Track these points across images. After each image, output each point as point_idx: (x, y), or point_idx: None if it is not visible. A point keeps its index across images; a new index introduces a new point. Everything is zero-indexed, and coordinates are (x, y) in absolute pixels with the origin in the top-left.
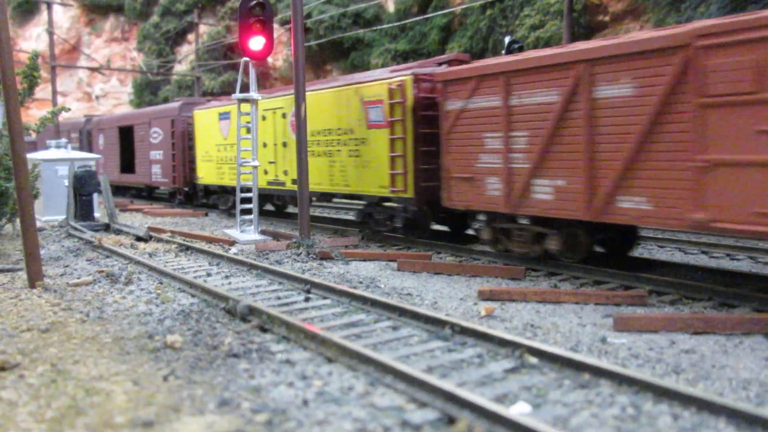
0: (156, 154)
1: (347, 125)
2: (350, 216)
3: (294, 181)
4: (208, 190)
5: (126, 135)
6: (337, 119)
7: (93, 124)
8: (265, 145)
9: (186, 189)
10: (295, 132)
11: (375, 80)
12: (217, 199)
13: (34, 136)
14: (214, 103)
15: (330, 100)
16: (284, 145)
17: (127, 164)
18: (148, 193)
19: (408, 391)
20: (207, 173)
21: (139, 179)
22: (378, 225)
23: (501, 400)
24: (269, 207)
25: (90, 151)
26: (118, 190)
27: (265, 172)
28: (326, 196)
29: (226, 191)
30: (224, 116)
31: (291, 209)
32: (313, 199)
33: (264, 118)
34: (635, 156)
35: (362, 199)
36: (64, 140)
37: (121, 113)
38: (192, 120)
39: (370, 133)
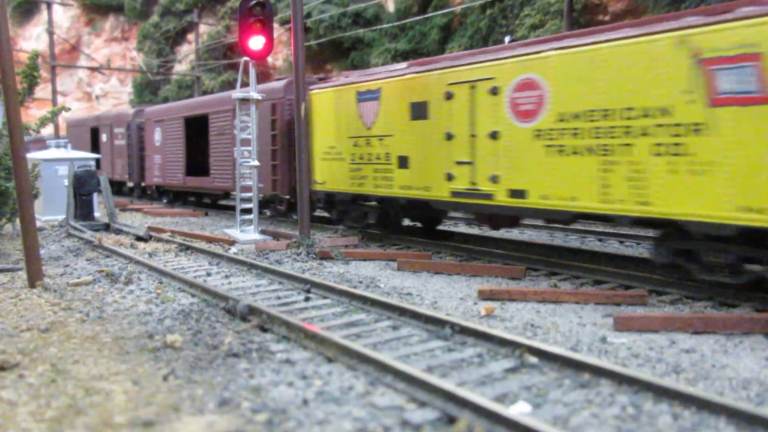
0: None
1: (653, 102)
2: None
3: (513, 193)
4: (331, 199)
5: (196, 127)
6: (624, 92)
7: (147, 116)
8: (449, 137)
9: (287, 197)
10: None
11: (730, 20)
12: (343, 213)
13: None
14: (346, 79)
15: (608, 60)
16: (493, 136)
17: (196, 165)
18: (215, 203)
19: (408, 390)
20: (332, 176)
21: (216, 184)
22: None
23: (501, 399)
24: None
25: (140, 149)
26: (179, 197)
27: (449, 178)
28: (581, 218)
29: (362, 201)
30: (368, 96)
31: (465, 228)
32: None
33: (449, 96)
34: None
35: (677, 227)
36: (63, 140)
37: (190, 100)
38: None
39: (717, 115)
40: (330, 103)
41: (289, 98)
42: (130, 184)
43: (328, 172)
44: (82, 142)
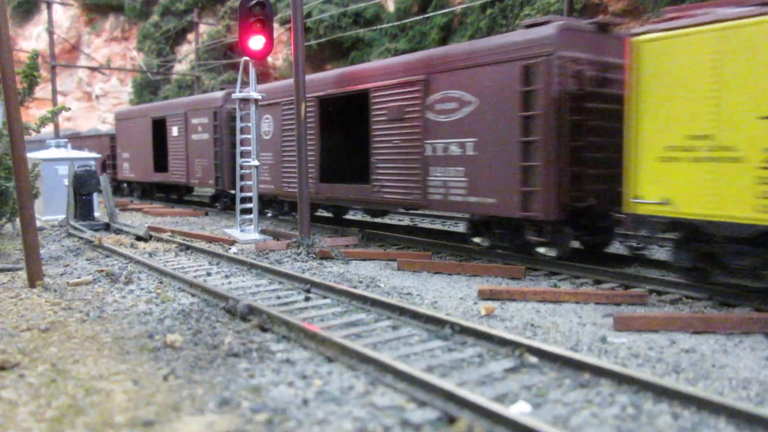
0: (456, 148)
1: None
2: None
3: None
4: (693, 236)
5: (339, 111)
6: None
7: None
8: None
9: (559, 219)
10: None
11: None
12: (723, 267)
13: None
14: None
15: None
16: None
17: (332, 167)
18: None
19: (408, 390)
20: (700, 191)
21: (400, 195)
22: None
23: (501, 399)
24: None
25: (231, 145)
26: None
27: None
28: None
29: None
30: None
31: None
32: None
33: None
34: None
35: None
36: (63, 140)
37: (328, 73)
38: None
39: None
40: (697, 55)
41: (566, 56)
42: (212, 192)
43: (687, 182)
44: (138, 138)
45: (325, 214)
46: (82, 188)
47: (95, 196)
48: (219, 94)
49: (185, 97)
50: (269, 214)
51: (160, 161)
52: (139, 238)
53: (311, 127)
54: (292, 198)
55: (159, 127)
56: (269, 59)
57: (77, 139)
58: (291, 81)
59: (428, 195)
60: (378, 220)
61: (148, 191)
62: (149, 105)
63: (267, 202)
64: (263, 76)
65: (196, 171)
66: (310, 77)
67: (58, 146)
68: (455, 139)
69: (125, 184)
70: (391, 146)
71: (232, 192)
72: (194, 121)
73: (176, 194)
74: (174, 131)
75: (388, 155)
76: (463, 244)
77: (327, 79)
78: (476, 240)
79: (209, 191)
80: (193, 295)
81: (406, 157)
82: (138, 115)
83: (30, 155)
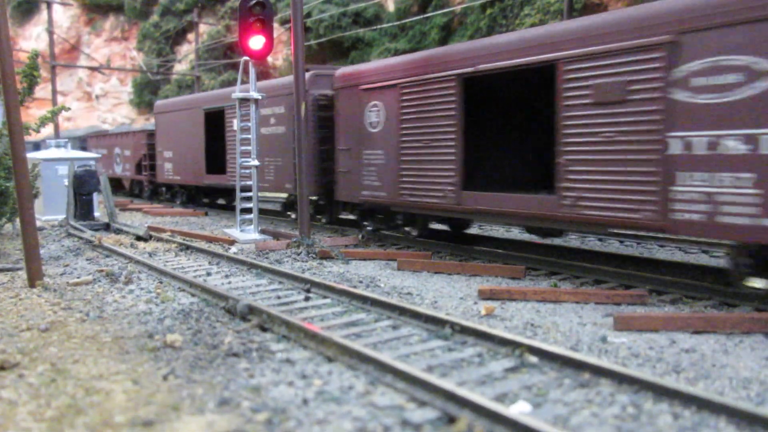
0: (736, 144)
1: None
2: None
3: None
4: None
5: (490, 94)
6: None
7: (340, 81)
8: None
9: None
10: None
11: None
12: None
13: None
14: None
15: None
16: None
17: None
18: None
19: (408, 390)
20: None
21: (614, 211)
22: None
23: (501, 399)
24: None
25: (320, 141)
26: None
27: None
28: None
29: None
30: None
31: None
32: None
33: None
34: None
35: None
36: (64, 140)
37: (477, 43)
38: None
39: None
40: None
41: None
42: (285, 198)
43: None
44: (185, 134)
45: (438, 226)
46: (82, 188)
47: (95, 196)
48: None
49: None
50: (369, 228)
51: (215, 161)
52: (139, 238)
53: (449, 116)
54: (418, 210)
55: (213, 120)
56: (269, 59)
57: (104, 137)
58: (414, 56)
59: (672, 213)
60: (548, 240)
61: (194, 196)
62: (201, 95)
63: (368, 211)
64: (263, 76)
65: (265, 172)
66: (446, 49)
67: (58, 146)
68: (736, 130)
69: (163, 188)
70: (598, 141)
71: (314, 198)
72: (265, 111)
73: (227, 199)
74: (235, 125)
75: (593, 153)
76: (461, 244)
77: (476, 50)
78: (755, 283)
79: (278, 196)
80: (193, 295)
81: (627, 156)
82: (185, 107)
83: (30, 155)
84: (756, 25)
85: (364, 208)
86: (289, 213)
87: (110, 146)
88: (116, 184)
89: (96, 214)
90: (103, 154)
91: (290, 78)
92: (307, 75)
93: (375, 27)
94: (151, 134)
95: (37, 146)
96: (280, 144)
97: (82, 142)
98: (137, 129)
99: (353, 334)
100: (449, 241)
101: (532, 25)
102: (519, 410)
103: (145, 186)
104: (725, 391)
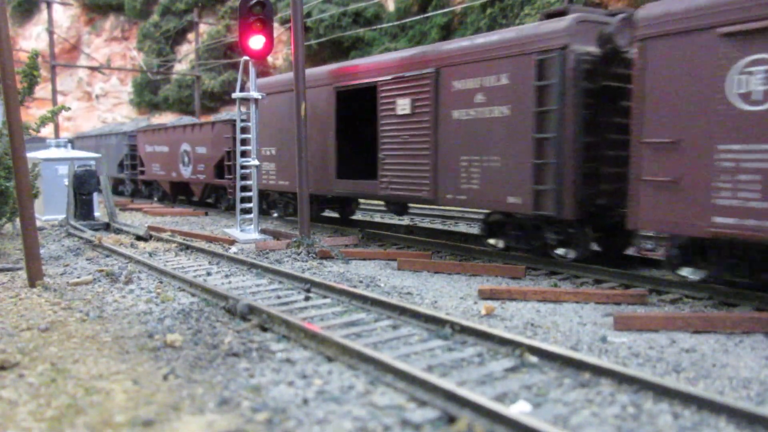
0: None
1: None
2: None
3: None
4: None
5: None
6: None
7: (663, 23)
8: None
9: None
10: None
11: None
12: None
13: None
14: None
15: None
16: None
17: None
18: None
19: (408, 390)
20: None
21: None
22: None
23: (501, 399)
24: None
25: (583, 124)
26: None
27: None
28: None
29: None
30: None
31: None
32: None
33: None
34: None
35: None
36: (63, 140)
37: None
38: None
39: None
40: None
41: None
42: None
43: None
44: (314, 121)
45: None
46: (82, 188)
47: (95, 196)
48: (558, 23)
49: (438, 43)
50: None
51: (351, 161)
52: (139, 238)
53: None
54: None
55: (347, 102)
56: (269, 59)
57: (164, 131)
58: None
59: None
60: None
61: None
62: (329, 68)
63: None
64: (263, 76)
65: (461, 177)
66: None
67: (58, 146)
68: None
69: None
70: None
71: (572, 219)
72: (466, 83)
73: (344, 209)
74: (402, 106)
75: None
76: (464, 244)
77: None
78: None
79: (466, 212)
80: (193, 295)
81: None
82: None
83: (30, 155)
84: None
85: (710, 245)
86: (493, 242)
87: (173, 142)
88: (180, 190)
89: (96, 213)
90: (162, 152)
91: (532, 28)
92: (564, 21)
93: (375, 27)
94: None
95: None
96: (498, 133)
97: (130, 138)
98: (216, 119)
99: (353, 334)
100: None
101: None
102: (519, 410)
103: (229, 193)
104: (725, 390)
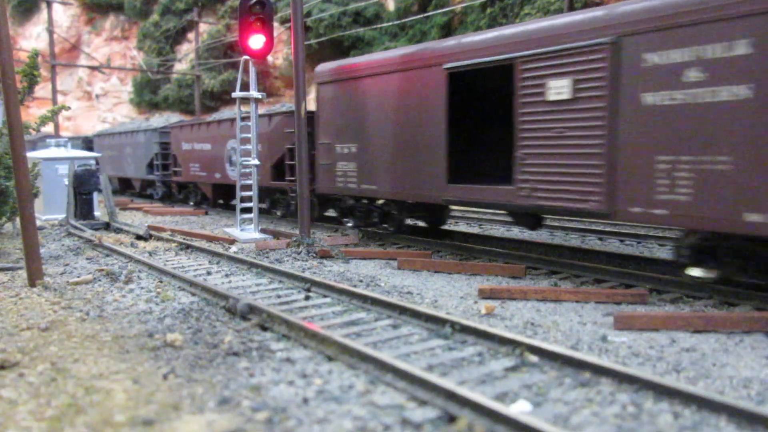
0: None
1: None
2: None
3: None
4: None
5: None
6: None
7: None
8: None
9: None
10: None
11: None
12: None
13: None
14: None
15: None
16: None
17: None
18: None
19: (408, 389)
20: None
21: None
22: None
23: (501, 398)
24: None
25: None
26: None
27: None
28: None
29: None
30: None
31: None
32: None
33: None
34: None
35: None
36: (64, 139)
37: None
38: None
39: None
40: None
41: None
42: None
43: None
44: (395, 112)
45: None
46: (82, 187)
47: (95, 195)
48: None
49: (617, 3)
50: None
51: (465, 162)
52: (139, 237)
53: None
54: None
55: (458, 86)
56: (269, 58)
57: (206, 126)
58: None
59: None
60: None
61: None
62: (437, 44)
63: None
64: (263, 76)
65: (658, 184)
66: None
67: (58, 145)
68: None
69: (314, 202)
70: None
71: None
72: (668, 56)
73: (433, 218)
74: (557, 89)
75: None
76: (462, 243)
77: None
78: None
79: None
80: (193, 294)
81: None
82: (397, 67)
83: (30, 154)
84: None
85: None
86: (698, 273)
87: (218, 138)
88: (224, 193)
89: (96, 213)
90: (203, 150)
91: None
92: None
93: (375, 26)
94: (310, 118)
95: (88, 141)
96: (728, 124)
97: (162, 134)
98: (277, 110)
99: (353, 334)
100: None
101: None
102: (519, 409)
103: (291, 198)
104: (726, 390)
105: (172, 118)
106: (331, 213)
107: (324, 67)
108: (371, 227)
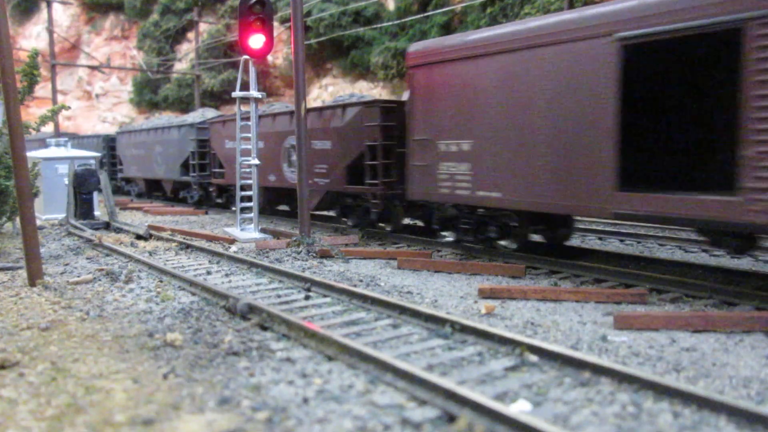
0: None
1: None
2: None
3: None
4: None
5: None
6: None
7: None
8: None
9: None
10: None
11: None
12: None
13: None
14: None
15: None
16: None
17: None
18: None
19: (408, 389)
20: None
21: None
22: None
23: (501, 398)
24: None
25: None
26: None
27: None
28: None
29: None
30: None
31: None
32: None
33: None
34: None
35: None
36: (63, 139)
37: None
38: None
39: None
40: None
41: None
42: None
43: None
44: (537, 99)
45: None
46: (82, 187)
47: (95, 195)
48: None
49: None
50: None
51: (634, 164)
52: (139, 237)
53: None
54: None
55: (634, 63)
56: (269, 58)
57: (275, 117)
58: None
59: None
60: None
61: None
62: (602, 10)
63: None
64: (263, 75)
65: None
66: None
67: (58, 145)
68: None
69: (411, 210)
70: None
71: None
72: None
73: (555, 231)
74: None
75: None
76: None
77: None
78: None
79: None
80: (193, 294)
81: None
82: (534, 42)
83: (30, 154)
84: None
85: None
86: None
87: (273, 135)
88: (278, 198)
89: (96, 213)
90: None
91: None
92: None
93: (375, 26)
94: (389, 110)
95: (110, 140)
96: None
97: (200, 131)
98: (352, 101)
99: (353, 333)
100: None
101: None
102: (519, 409)
103: (374, 204)
104: (725, 389)
105: (207, 112)
106: (412, 222)
107: (422, 45)
108: (480, 244)
